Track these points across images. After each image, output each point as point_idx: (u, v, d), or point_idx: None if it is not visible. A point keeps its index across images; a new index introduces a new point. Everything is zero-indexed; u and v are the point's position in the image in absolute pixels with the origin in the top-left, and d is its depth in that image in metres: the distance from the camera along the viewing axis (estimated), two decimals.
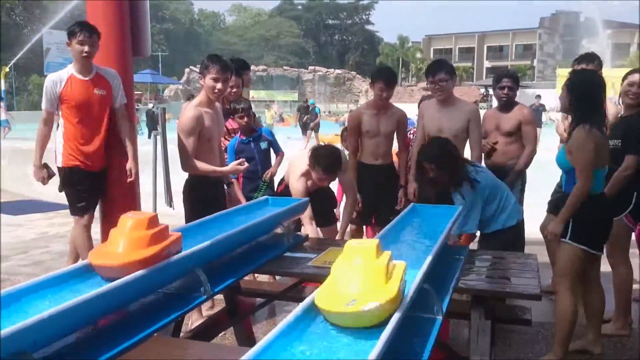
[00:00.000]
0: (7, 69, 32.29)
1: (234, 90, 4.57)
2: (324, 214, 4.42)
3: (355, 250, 1.81)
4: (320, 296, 1.75)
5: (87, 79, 4.13)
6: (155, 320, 2.04)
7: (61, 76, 4.12)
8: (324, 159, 3.95)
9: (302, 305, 1.79)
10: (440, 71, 4.40)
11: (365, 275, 1.73)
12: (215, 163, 3.90)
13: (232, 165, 3.92)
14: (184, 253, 2.22)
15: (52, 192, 5.35)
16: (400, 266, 1.86)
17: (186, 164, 3.73)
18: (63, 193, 4.37)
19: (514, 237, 3.97)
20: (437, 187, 3.91)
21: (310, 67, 53.05)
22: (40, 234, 6.84)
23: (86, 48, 4.02)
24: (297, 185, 4.14)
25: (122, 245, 2.06)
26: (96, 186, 4.28)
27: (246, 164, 3.93)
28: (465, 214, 3.65)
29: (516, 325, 3.55)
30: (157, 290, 2.25)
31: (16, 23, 45.64)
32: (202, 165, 3.73)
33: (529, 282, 2.62)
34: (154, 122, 14.65)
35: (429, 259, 2.16)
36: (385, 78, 4.55)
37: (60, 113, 4.21)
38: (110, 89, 4.21)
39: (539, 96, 21.72)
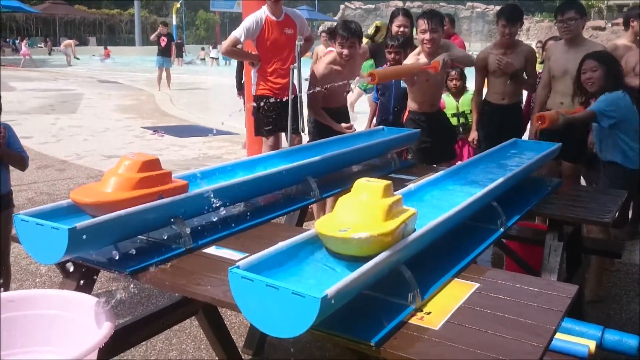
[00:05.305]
0: (179, 5, 34.95)
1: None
2: (443, 149, 4.59)
3: (363, 187, 1.89)
4: (321, 222, 1.85)
5: (279, 20, 4.74)
6: (273, 211, 2.64)
7: (260, 16, 4.68)
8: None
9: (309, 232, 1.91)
10: (570, 10, 4.38)
11: (364, 210, 1.81)
12: (338, 99, 4.52)
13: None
14: (298, 163, 2.81)
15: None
16: (408, 212, 1.90)
17: (311, 107, 4.39)
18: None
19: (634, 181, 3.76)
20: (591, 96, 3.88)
21: (469, 3, 50.54)
22: (200, 154, 7.89)
23: None
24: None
25: (110, 184, 2.10)
26: (281, 113, 4.79)
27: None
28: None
29: (608, 257, 3.72)
30: (277, 191, 2.84)
31: None
32: (321, 114, 4.34)
33: (603, 212, 2.83)
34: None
35: (498, 181, 2.52)
36: (507, 14, 4.68)
37: (257, 50, 4.80)
38: (295, 28, 4.82)
39: None
